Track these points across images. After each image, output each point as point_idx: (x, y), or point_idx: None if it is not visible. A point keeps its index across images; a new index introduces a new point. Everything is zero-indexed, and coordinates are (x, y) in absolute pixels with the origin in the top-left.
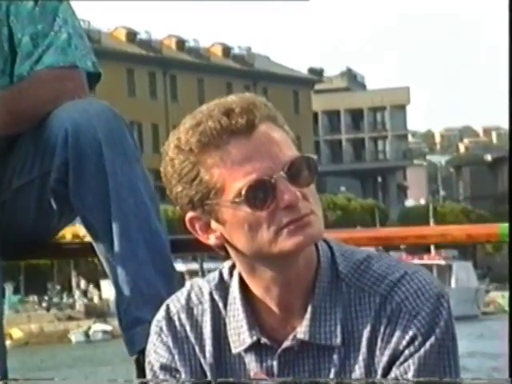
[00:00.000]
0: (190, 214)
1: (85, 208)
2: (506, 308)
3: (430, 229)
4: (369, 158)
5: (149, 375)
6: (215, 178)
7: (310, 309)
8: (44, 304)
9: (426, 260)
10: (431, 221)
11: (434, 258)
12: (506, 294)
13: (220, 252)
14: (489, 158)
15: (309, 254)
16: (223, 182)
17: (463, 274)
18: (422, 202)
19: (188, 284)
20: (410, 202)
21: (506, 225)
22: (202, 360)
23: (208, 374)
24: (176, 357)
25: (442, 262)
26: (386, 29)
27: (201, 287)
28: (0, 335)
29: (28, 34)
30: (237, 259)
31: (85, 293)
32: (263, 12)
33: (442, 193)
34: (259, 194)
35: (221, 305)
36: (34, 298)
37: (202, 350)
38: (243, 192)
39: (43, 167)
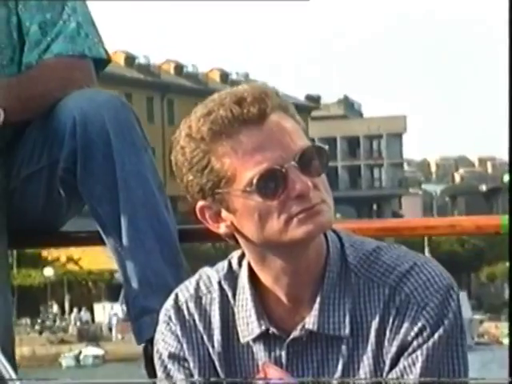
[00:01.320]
0: (200, 203)
1: (93, 197)
2: (500, 339)
3: (439, 220)
4: (364, 186)
5: (157, 364)
6: (226, 167)
7: (318, 299)
8: (37, 327)
9: None
10: (426, 249)
11: None
12: (500, 324)
13: (230, 241)
14: (484, 188)
15: (318, 244)
16: (234, 170)
17: None
18: None
19: (197, 273)
20: None
21: (507, 216)
22: (211, 349)
23: (216, 363)
24: (184, 346)
25: None
26: (382, 54)
27: (209, 276)
28: (9, 327)
29: (36, 22)
30: (246, 248)
31: (78, 316)
32: (261, 39)
33: None
34: (270, 184)
35: (230, 294)
36: (26, 320)
37: (211, 339)
38: (254, 181)
39: (51, 156)
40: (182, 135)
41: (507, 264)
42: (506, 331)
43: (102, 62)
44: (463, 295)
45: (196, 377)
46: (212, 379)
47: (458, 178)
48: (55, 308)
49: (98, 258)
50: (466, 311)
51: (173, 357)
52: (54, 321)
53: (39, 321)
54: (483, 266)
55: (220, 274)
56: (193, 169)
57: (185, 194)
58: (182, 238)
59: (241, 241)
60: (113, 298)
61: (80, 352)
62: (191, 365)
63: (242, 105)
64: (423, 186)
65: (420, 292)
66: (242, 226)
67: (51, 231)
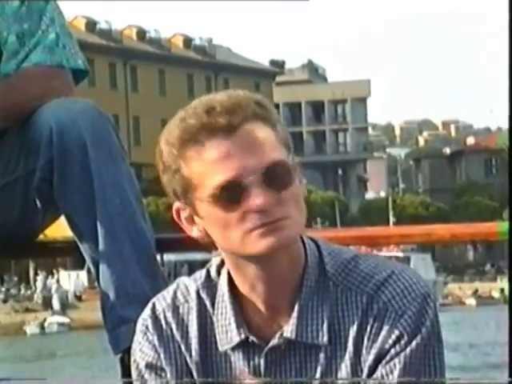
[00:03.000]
0: (176, 204)
1: (70, 207)
2: (463, 299)
3: (415, 228)
4: (329, 151)
5: (134, 374)
6: (193, 174)
7: (296, 307)
8: (1, 295)
9: (384, 252)
10: (390, 213)
11: (393, 250)
12: (463, 285)
13: (205, 245)
14: (447, 151)
15: (294, 252)
16: (200, 178)
17: (421, 266)
18: (382, 194)
19: (175, 282)
20: (370, 195)
21: (505, 223)
22: (188, 359)
23: (194, 372)
24: (161, 355)
25: (400, 254)
26: (347, 20)
27: (187, 286)
28: None
29: (14, 32)
30: (223, 253)
31: (43, 284)
32: (225, 3)
33: (401, 185)
34: (231, 195)
35: (208, 303)
36: None
37: (188, 349)
38: (215, 191)
39: (28, 166)
40: (161, 138)
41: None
42: (469, 292)
43: (80, 74)
44: (428, 257)
45: None
46: (186, 380)
47: (421, 142)
48: (19, 276)
49: (62, 226)
50: (431, 273)
51: (150, 366)
52: (19, 289)
53: (3, 289)
54: None
55: (198, 282)
56: (166, 171)
57: (149, 162)
58: (160, 247)
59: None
60: (78, 265)
61: (45, 319)
62: (168, 375)
63: (210, 114)
64: (388, 150)
65: (398, 300)
66: (210, 233)
67: (27, 241)
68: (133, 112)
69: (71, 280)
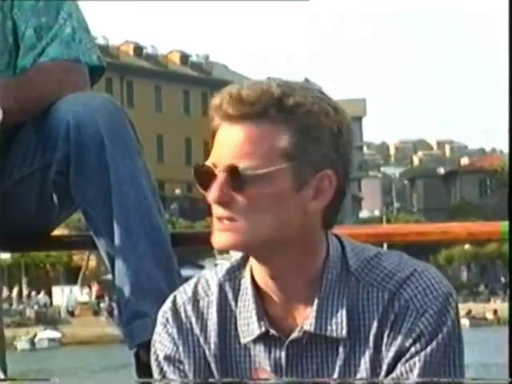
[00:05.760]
0: None
1: (85, 201)
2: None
3: (432, 226)
4: None
5: (153, 365)
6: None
7: (316, 301)
8: None
9: None
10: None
11: None
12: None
13: None
14: (442, 171)
15: (294, 254)
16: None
17: None
18: (377, 213)
19: (196, 276)
20: (364, 213)
21: (507, 223)
22: (207, 352)
23: (212, 365)
24: (180, 348)
25: None
26: (342, 39)
27: (208, 280)
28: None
29: (32, 26)
30: None
31: (36, 299)
32: (223, 20)
33: (395, 204)
34: (203, 179)
35: (230, 296)
36: None
37: (207, 342)
38: (196, 170)
39: (44, 159)
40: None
41: (465, 247)
42: (463, 312)
43: (95, 70)
44: None
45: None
46: (210, 380)
47: (416, 161)
48: (13, 291)
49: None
50: None
51: (168, 359)
52: (11, 304)
53: None
54: (441, 249)
55: (220, 275)
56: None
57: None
58: (175, 242)
59: None
60: (71, 280)
61: (35, 335)
62: (186, 367)
63: (221, 103)
64: (382, 169)
65: (419, 298)
66: None
67: (43, 234)
68: None
69: (64, 295)
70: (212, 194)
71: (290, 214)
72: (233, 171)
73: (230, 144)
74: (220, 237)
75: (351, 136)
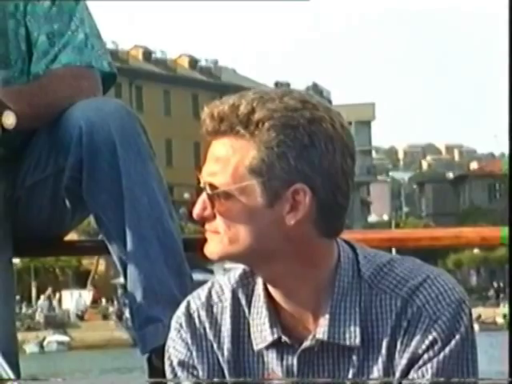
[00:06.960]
0: None
1: (98, 206)
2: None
3: (445, 231)
4: None
5: (167, 370)
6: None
7: (328, 309)
8: None
9: None
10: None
11: None
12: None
13: None
14: (451, 175)
15: (302, 256)
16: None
17: None
18: (385, 217)
19: (210, 281)
20: (373, 218)
21: (507, 228)
22: (220, 357)
23: (226, 371)
24: (194, 353)
25: None
26: (351, 42)
27: (221, 285)
28: (13, 335)
29: (44, 32)
30: None
31: (45, 303)
32: (232, 25)
33: (404, 209)
34: (199, 191)
35: (243, 302)
36: None
37: (221, 348)
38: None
39: (57, 165)
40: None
41: (474, 251)
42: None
43: (108, 78)
44: None
45: None
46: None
47: (425, 166)
48: (21, 295)
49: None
50: None
51: (182, 364)
52: (21, 308)
53: None
54: (450, 254)
55: (234, 281)
56: None
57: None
58: (187, 247)
59: None
60: (80, 284)
61: (44, 338)
62: (200, 373)
63: (204, 118)
64: (391, 174)
65: (432, 305)
66: None
67: (56, 240)
68: None
69: (73, 299)
70: (194, 210)
71: (266, 227)
72: (210, 187)
73: (209, 160)
74: (208, 247)
75: (335, 145)
